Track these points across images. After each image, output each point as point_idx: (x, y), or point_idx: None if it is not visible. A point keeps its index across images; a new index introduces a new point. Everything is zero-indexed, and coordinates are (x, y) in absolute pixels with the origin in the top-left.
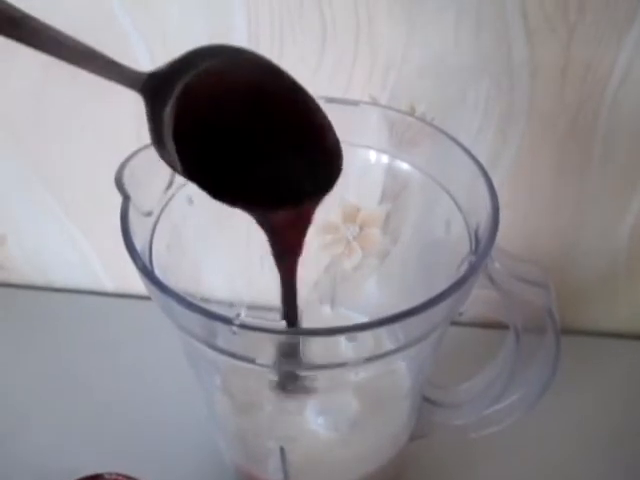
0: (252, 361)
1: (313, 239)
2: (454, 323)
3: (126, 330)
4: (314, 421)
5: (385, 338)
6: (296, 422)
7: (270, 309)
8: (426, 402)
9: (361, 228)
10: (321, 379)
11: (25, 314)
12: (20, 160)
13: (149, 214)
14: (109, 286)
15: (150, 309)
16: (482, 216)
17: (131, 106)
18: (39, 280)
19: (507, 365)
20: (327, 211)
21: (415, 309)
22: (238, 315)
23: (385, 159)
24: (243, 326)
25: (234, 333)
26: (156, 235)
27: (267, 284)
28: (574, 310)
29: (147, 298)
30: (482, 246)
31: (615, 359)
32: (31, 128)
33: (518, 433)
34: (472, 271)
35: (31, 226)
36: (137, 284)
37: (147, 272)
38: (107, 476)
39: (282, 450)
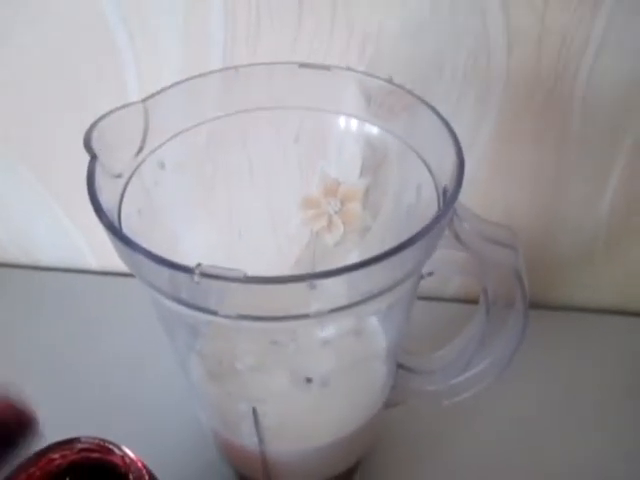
0: (215, 313)
1: (295, 214)
2: (433, 298)
3: (110, 307)
4: (285, 381)
5: (352, 290)
6: (267, 382)
7: None
8: (401, 369)
9: (342, 203)
10: (289, 333)
11: (10, 293)
12: (2, 141)
13: (119, 176)
14: (94, 264)
15: (133, 286)
16: (450, 175)
17: (114, 87)
18: (24, 259)
19: (478, 330)
20: (308, 185)
21: (378, 257)
22: (199, 265)
23: (363, 127)
24: (204, 274)
25: (197, 283)
26: (126, 198)
27: (245, 256)
28: (553, 285)
29: (131, 275)
30: (447, 197)
31: (592, 333)
32: (13, 107)
33: (490, 402)
34: (436, 221)
35: (15, 206)
36: (120, 262)
37: (112, 228)
38: (84, 439)
39: (255, 412)
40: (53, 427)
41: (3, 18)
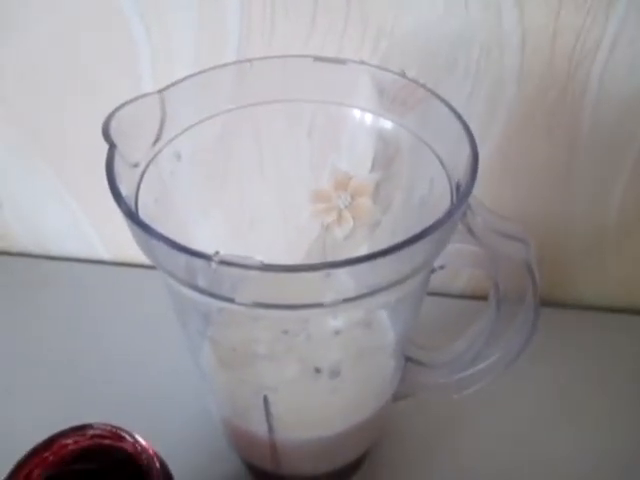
0: (231, 301)
1: (305, 207)
2: (441, 294)
3: (121, 297)
4: (295, 370)
5: (364, 282)
6: (278, 371)
7: None
8: (410, 362)
9: (352, 197)
10: (300, 322)
11: (21, 282)
12: (17, 129)
13: (136, 165)
14: (105, 255)
15: (144, 277)
16: (463, 169)
17: (128, 79)
18: (35, 248)
19: (488, 324)
20: (319, 179)
21: (395, 246)
22: (217, 252)
23: (376, 121)
24: (223, 262)
25: (214, 270)
26: (143, 186)
27: (255, 248)
28: (562, 282)
29: (142, 266)
30: (461, 191)
31: (601, 331)
32: (27, 97)
33: (499, 397)
34: (449, 215)
35: (28, 195)
36: (132, 252)
37: (130, 213)
38: (96, 425)
39: (265, 400)
40: (65, 415)
41: (21, 10)
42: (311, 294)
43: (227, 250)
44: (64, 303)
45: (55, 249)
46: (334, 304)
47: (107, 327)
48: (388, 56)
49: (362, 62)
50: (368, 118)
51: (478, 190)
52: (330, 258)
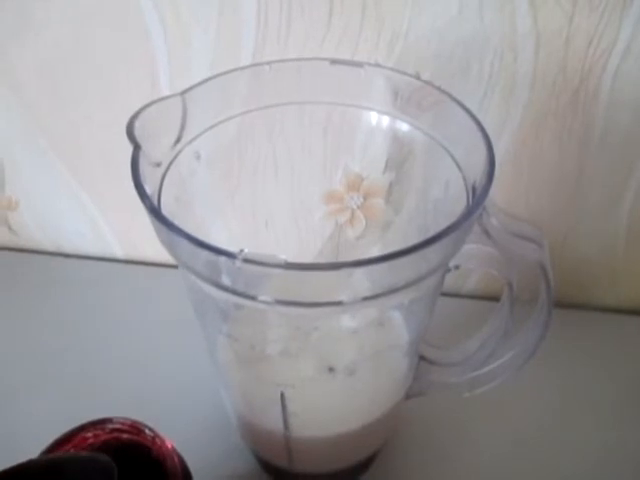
0: (254, 298)
1: (318, 207)
2: (454, 295)
3: (135, 295)
4: (311, 368)
5: (381, 281)
6: (295, 368)
7: None
8: (423, 360)
9: (365, 198)
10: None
11: (36, 279)
12: (32, 128)
13: (158, 165)
14: (119, 252)
15: (159, 275)
16: (479, 171)
17: (145, 76)
18: (50, 246)
19: (501, 324)
20: (331, 180)
21: (409, 249)
22: (242, 251)
23: (390, 123)
24: (247, 260)
25: (238, 268)
26: (165, 185)
27: (269, 248)
28: (573, 284)
29: (156, 264)
30: (477, 194)
31: (612, 333)
32: (44, 96)
33: (511, 397)
34: (466, 216)
35: (43, 193)
36: (146, 250)
37: (155, 211)
38: (115, 420)
39: (282, 397)
40: (83, 410)
41: (38, 8)
42: (329, 293)
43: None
44: (79, 301)
45: (70, 247)
46: (353, 302)
47: (122, 324)
48: (402, 59)
49: (377, 64)
50: (382, 120)
51: (490, 193)
52: (342, 258)
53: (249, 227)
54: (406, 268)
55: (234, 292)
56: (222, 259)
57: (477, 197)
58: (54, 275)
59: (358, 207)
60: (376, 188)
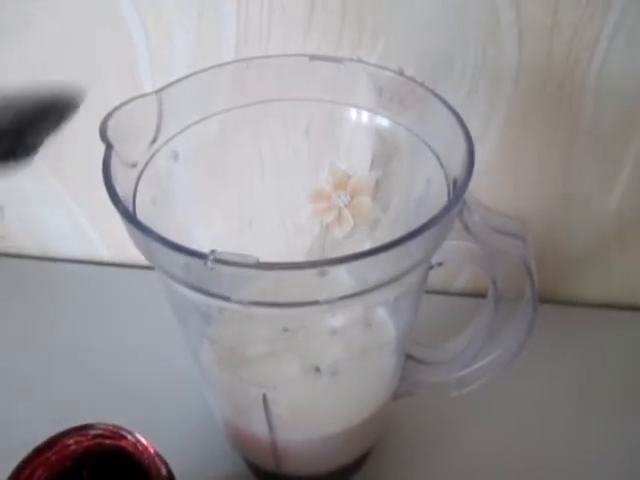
0: (227, 299)
1: (304, 207)
2: (442, 292)
3: (122, 298)
4: (295, 369)
5: (362, 279)
6: (277, 369)
7: None
8: (410, 360)
9: (352, 196)
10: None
11: (22, 283)
12: None
13: (133, 165)
14: (105, 255)
15: (145, 277)
16: (460, 166)
17: (126, 76)
18: (36, 250)
19: (487, 322)
20: (318, 178)
21: (387, 245)
22: (213, 251)
23: (374, 120)
24: (218, 261)
25: (210, 268)
26: (140, 186)
27: (255, 248)
28: (563, 279)
29: (142, 267)
30: (457, 188)
31: (602, 328)
32: None
33: (500, 394)
34: (445, 211)
35: (28, 197)
36: (132, 253)
37: (126, 213)
38: (98, 426)
39: (265, 399)
40: (65, 415)
41: (22, 9)
42: (309, 292)
43: (227, 250)
44: (65, 304)
45: (56, 250)
46: (330, 301)
47: (107, 327)
48: (385, 55)
49: (360, 60)
50: (366, 117)
51: (478, 189)
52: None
53: (234, 228)
54: (385, 265)
55: (208, 293)
56: (194, 260)
57: (457, 191)
58: (40, 279)
59: (345, 205)
60: (363, 186)
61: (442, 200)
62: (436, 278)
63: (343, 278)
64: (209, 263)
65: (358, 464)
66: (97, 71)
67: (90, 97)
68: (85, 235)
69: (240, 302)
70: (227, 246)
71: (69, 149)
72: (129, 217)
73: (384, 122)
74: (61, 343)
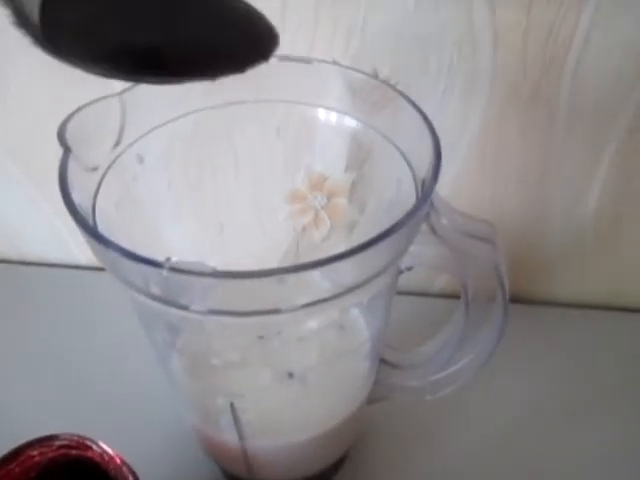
0: (186, 308)
1: (280, 209)
2: (420, 294)
3: (97, 302)
4: (264, 376)
5: (326, 284)
6: (244, 377)
7: None
8: (384, 364)
9: (328, 198)
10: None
11: None
12: None
13: (94, 169)
14: (82, 259)
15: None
16: (428, 169)
17: (100, 82)
18: (12, 254)
19: (459, 326)
20: (294, 180)
21: (351, 251)
22: (168, 259)
23: (348, 122)
24: (173, 269)
25: (165, 278)
26: (101, 192)
27: (231, 251)
28: (540, 280)
29: None
30: (424, 190)
31: (578, 328)
32: None
33: (475, 397)
34: (410, 214)
35: (3, 202)
36: None
37: (83, 223)
38: (62, 436)
39: (232, 408)
40: (34, 423)
41: None
42: (268, 299)
43: (201, 254)
44: (40, 308)
45: (32, 255)
46: (292, 309)
47: (82, 333)
48: (360, 55)
49: (334, 62)
50: (340, 118)
51: (455, 190)
52: (307, 260)
53: (208, 232)
54: (348, 271)
55: (166, 302)
56: (149, 269)
57: (423, 193)
58: (15, 283)
59: (322, 207)
60: (339, 188)
61: (412, 202)
62: (416, 279)
63: (307, 283)
64: (164, 272)
65: (335, 468)
66: (68, 71)
67: (61, 101)
68: (61, 239)
69: (198, 311)
70: (200, 251)
71: (41, 151)
72: (85, 226)
73: (358, 124)
74: (33, 348)
